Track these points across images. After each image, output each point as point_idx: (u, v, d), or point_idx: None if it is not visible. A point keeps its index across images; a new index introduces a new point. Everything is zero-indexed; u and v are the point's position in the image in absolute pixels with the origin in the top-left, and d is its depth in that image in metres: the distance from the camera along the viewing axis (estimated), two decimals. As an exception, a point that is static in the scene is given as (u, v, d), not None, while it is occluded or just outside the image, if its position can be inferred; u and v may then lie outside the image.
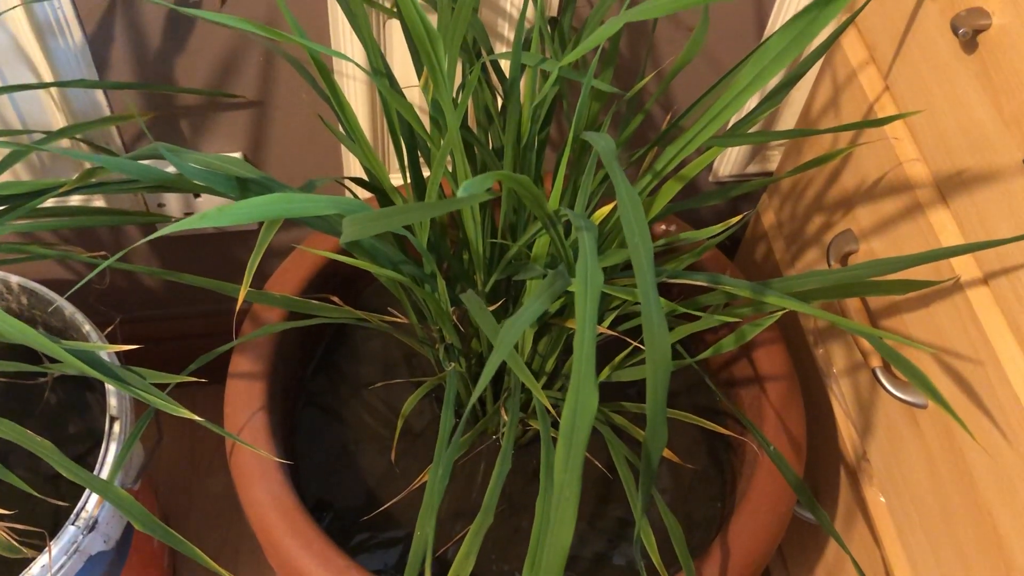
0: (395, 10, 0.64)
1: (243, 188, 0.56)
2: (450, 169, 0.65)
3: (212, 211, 0.42)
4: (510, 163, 0.55)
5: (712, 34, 0.85)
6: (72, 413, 0.89)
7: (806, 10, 0.35)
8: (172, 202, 0.94)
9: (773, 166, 1.02)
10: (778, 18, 0.85)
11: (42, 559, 0.72)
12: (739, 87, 0.41)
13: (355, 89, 0.84)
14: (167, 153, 0.50)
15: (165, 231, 0.41)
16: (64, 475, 0.60)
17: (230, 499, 1.12)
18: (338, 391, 0.87)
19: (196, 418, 0.56)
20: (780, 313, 0.59)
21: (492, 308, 0.55)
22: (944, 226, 0.71)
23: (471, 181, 0.31)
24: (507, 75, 0.66)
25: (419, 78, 0.65)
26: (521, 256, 0.59)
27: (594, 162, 0.53)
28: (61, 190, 0.64)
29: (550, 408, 0.51)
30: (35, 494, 0.68)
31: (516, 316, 0.39)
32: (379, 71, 0.57)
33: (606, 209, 0.54)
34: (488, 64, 0.64)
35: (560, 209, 0.46)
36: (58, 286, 0.90)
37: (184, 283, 0.67)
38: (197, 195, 0.94)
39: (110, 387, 0.81)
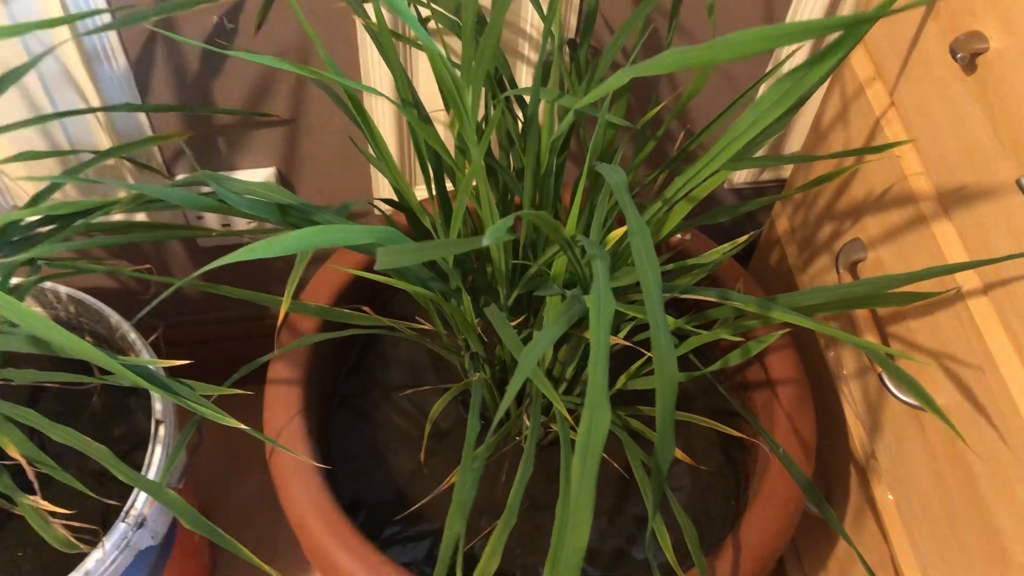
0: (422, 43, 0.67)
1: (283, 213, 0.60)
2: (473, 184, 0.69)
3: (261, 244, 0.46)
4: (530, 189, 0.59)
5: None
6: (116, 416, 0.94)
7: (797, 69, 0.39)
8: (211, 215, 0.98)
9: (786, 173, 1.06)
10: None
11: (96, 554, 0.77)
12: (737, 131, 0.44)
13: (382, 108, 0.89)
14: (214, 184, 0.54)
15: (220, 263, 0.45)
16: (119, 477, 0.65)
17: (266, 496, 1.17)
18: (368, 395, 0.91)
19: (242, 426, 0.60)
20: (784, 331, 0.63)
21: (515, 323, 0.59)
22: (947, 238, 0.74)
23: (496, 226, 0.35)
24: (527, 100, 0.70)
25: (443, 101, 0.69)
26: (541, 273, 0.63)
27: (607, 188, 0.56)
28: (115, 211, 0.69)
29: (569, 418, 0.55)
30: (90, 494, 0.73)
31: (536, 340, 0.43)
32: (408, 101, 0.61)
33: (621, 231, 0.58)
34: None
35: (577, 236, 0.50)
36: (101, 294, 0.95)
37: (224, 294, 0.72)
38: (233, 208, 0.99)
39: (155, 393, 0.86)
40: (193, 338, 1.13)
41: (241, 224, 0.99)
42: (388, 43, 0.58)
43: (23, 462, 0.68)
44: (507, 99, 0.64)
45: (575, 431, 0.76)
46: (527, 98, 0.74)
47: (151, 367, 0.65)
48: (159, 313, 1.09)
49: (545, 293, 0.58)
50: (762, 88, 0.82)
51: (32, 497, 0.69)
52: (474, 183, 0.61)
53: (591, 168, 0.53)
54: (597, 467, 0.39)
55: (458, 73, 0.46)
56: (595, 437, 0.39)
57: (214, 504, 1.17)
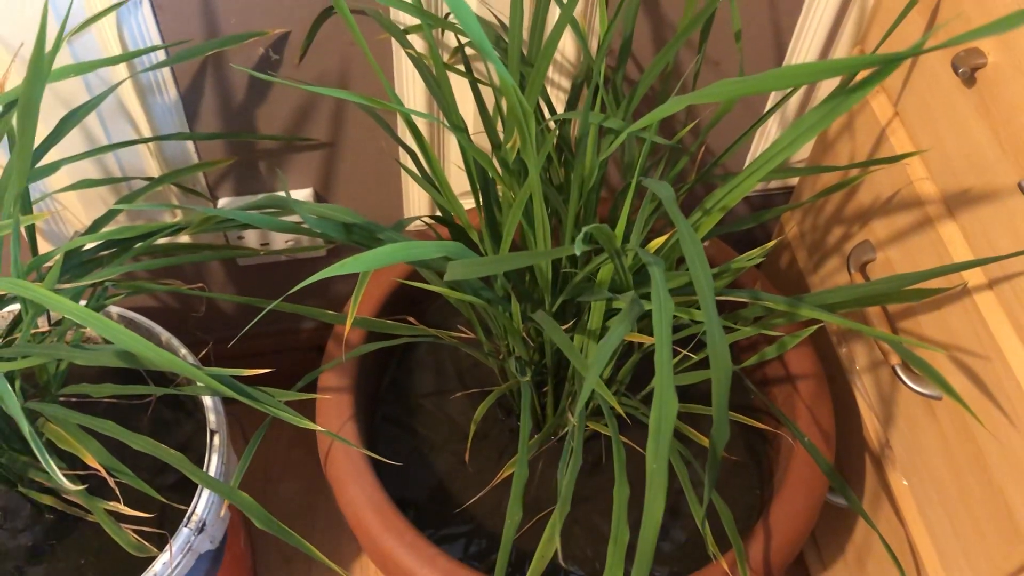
0: (463, 69, 0.73)
1: (348, 232, 0.65)
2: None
3: (349, 260, 0.51)
4: (575, 202, 0.64)
5: (735, 69, 0.95)
6: (163, 429, 0.98)
7: (833, 94, 0.44)
8: (250, 235, 1.03)
9: (794, 180, 1.11)
10: (792, 57, 0.94)
11: (163, 557, 0.82)
12: (777, 148, 0.50)
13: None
14: (297, 206, 0.59)
15: (312, 280, 0.50)
16: (196, 482, 0.70)
17: (301, 503, 1.22)
18: (406, 401, 0.96)
19: (318, 428, 0.65)
20: (817, 326, 0.68)
21: (564, 328, 0.64)
22: (952, 238, 0.79)
23: (580, 237, 0.41)
24: (554, 114, 0.75)
25: (484, 124, 0.75)
26: (585, 280, 0.68)
27: (647, 201, 0.62)
28: (183, 233, 0.74)
29: (622, 413, 0.61)
30: (164, 501, 0.77)
31: (604, 341, 0.48)
32: (458, 126, 0.67)
33: (659, 240, 0.63)
34: (546, 112, 0.74)
35: (626, 246, 0.56)
36: (143, 313, 0.99)
37: (275, 309, 0.77)
38: (272, 227, 1.04)
39: (208, 404, 0.91)
40: (230, 352, 1.18)
41: (279, 243, 1.04)
42: (442, 75, 0.64)
43: (103, 471, 0.72)
44: (543, 115, 0.70)
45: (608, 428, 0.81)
46: (551, 115, 0.79)
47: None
48: (203, 328, 1.14)
49: (594, 298, 0.63)
50: (772, 119, 0.88)
51: (112, 503, 0.74)
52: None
53: (638, 183, 0.59)
54: (668, 448, 0.44)
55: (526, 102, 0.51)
56: (666, 421, 0.44)
57: (253, 512, 1.22)
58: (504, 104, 0.74)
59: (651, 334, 0.73)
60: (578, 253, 0.41)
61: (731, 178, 0.60)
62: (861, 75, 0.62)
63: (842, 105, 0.43)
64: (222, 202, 1.00)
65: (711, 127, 0.68)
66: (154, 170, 0.94)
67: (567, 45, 0.88)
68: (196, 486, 0.85)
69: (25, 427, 0.50)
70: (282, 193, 1.01)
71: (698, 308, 0.62)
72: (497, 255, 0.48)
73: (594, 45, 0.88)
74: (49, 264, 0.88)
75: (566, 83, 0.92)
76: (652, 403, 0.45)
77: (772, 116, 1.02)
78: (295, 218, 0.93)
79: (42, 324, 0.86)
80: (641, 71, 0.92)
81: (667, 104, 0.47)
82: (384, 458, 0.92)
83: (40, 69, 0.51)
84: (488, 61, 0.80)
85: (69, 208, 0.98)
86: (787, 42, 0.94)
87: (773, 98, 1.01)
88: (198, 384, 0.84)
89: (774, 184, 1.12)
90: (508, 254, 0.51)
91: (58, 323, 0.82)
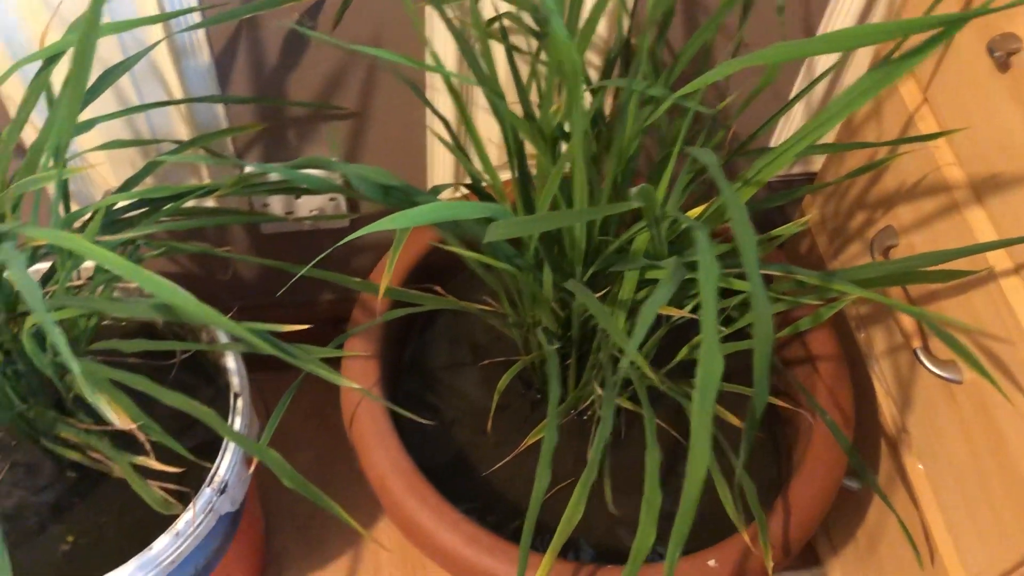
0: (498, 39, 0.73)
1: (386, 194, 0.66)
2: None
3: (397, 216, 0.52)
4: (613, 169, 0.65)
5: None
6: (185, 393, 0.98)
7: (888, 61, 0.45)
8: (275, 202, 1.04)
9: (816, 167, 1.12)
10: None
11: (186, 516, 0.82)
12: (825, 117, 0.50)
13: (443, 99, 0.94)
14: (339, 166, 0.60)
15: (364, 232, 0.51)
16: (227, 438, 0.71)
17: (317, 473, 1.23)
18: (427, 376, 0.97)
19: (354, 385, 0.66)
20: (851, 298, 0.69)
21: (598, 295, 0.65)
22: (979, 223, 0.80)
23: (638, 189, 0.41)
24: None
25: (519, 92, 0.75)
26: (619, 250, 0.69)
27: (686, 169, 0.63)
28: (219, 193, 0.74)
29: (657, 383, 0.61)
30: (194, 459, 0.78)
31: (648, 303, 0.49)
32: (498, 94, 0.67)
33: (698, 210, 0.64)
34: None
35: (665, 211, 0.56)
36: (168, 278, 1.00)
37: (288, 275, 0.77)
38: (298, 196, 1.04)
39: (231, 367, 0.91)
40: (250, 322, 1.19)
41: (304, 212, 1.05)
42: (485, 47, 0.64)
43: (134, 427, 0.73)
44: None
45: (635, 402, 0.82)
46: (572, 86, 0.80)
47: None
48: (225, 296, 1.14)
49: (627, 267, 0.64)
50: (796, 108, 0.89)
51: (142, 457, 0.74)
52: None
53: (680, 153, 0.59)
54: (713, 407, 0.45)
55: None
56: (711, 378, 0.45)
57: (268, 481, 1.22)
58: (543, 74, 0.74)
59: (680, 308, 0.74)
60: (635, 205, 0.42)
61: (766, 153, 0.61)
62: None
63: (898, 68, 0.43)
64: (249, 169, 1.00)
65: (747, 104, 0.68)
66: (184, 134, 0.95)
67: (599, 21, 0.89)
68: (217, 452, 0.85)
69: (75, 367, 0.51)
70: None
71: (735, 279, 0.63)
72: (537, 214, 0.49)
73: (625, 22, 0.88)
74: (80, 222, 0.88)
75: (597, 60, 0.93)
76: (699, 361, 0.46)
77: (797, 104, 1.02)
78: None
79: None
80: (674, 56, 0.93)
81: (718, 68, 0.48)
82: (406, 432, 0.92)
83: (97, 16, 0.52)
84: (532, 26, 0.80)
85: (98, 169, 0.98)
86: (816, 24, 0.95)
87: (799, 85, 1.01)
88: (230, 341, 0.85)
89: (796, 170, 1.12)
90: (549, 212, 0.52)
91: (89, 279, 0.83)
